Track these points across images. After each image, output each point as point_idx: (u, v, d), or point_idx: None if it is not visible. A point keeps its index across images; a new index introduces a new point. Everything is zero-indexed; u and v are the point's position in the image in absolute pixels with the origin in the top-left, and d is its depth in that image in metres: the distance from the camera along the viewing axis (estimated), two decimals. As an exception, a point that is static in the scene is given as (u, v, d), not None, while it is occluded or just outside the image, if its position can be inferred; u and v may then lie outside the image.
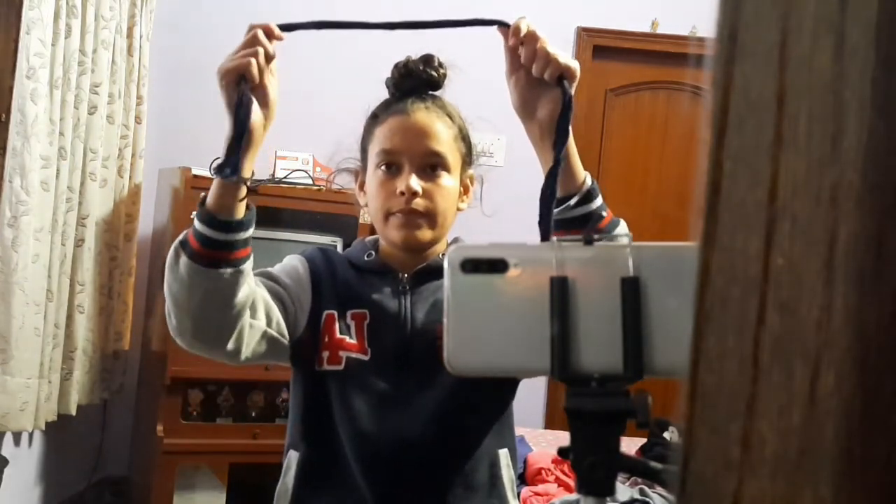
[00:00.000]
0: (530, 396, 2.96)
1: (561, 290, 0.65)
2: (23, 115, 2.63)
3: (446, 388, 1.27)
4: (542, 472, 2.63)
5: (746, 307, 0.34)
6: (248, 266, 1.17)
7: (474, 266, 0.67)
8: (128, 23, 3.28)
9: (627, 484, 2.54)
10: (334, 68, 3.75)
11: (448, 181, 1.30)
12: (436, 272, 1.30)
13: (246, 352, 1.22)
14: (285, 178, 3.14)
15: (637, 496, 2.47)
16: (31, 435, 3.01)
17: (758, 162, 0.34)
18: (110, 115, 3.17)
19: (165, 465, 3.01)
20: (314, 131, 3.01)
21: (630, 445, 2.99)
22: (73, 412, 3.04)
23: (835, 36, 0.32)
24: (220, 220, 1.15)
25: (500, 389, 1.33)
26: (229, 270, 1.14)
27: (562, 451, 0.68)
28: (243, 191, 1.15)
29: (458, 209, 1.36)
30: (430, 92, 1.35)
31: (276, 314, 1.27)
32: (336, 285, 1.33)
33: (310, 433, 1.32)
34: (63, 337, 2.97)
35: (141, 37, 3.34)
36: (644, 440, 3.07)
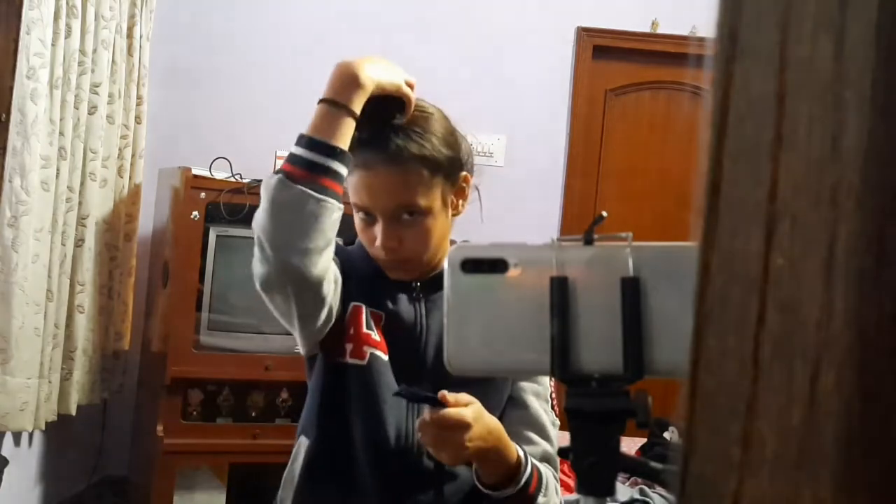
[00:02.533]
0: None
1: (561, 289, 0.65)
2: (23, 115, 2.62)
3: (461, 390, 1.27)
4: (542, 471, 2.63)
5: (746, 307, 0.34)
6: (337, 203, 1.16)
7: (474, 266, 0.67)
8: (128, 23, 3.28)
9: (627, 484, 2.54)
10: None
11: (429, 220, 1.27)
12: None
13: (327, 288, 1.22)
14: (285, 178, 3.13)
15: (637, 496, 2.47)
16: (31, 435, 3.01)
17: (758, 162, 0.34)
18: (110, 115, 3.17)
19: (165, 465, 3.01)
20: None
21: (630, 445, 2.99)
22: (73, 412, 3.04)
23: (835, 36, 0.32)
24: (321, 142, 1.14)
25: (501, 398, 1.33)
26: (318, 198, 1.13)
27: (562, 451, 0.68)
28: (352, 126, 1.17)
29: (454, 215, 1.34)
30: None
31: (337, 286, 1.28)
32: (357, 278, 1.32)
33: (323, 422, 1.33)
34: (63, 337, 2.97)
35: (141, 37, 3.34)
36: (644, 440, 3.07)
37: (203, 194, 2.99)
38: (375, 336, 1.30)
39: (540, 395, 1.36)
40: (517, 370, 0.95)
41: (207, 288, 3.06)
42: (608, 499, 0.65)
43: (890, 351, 0.30)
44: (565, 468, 2.17)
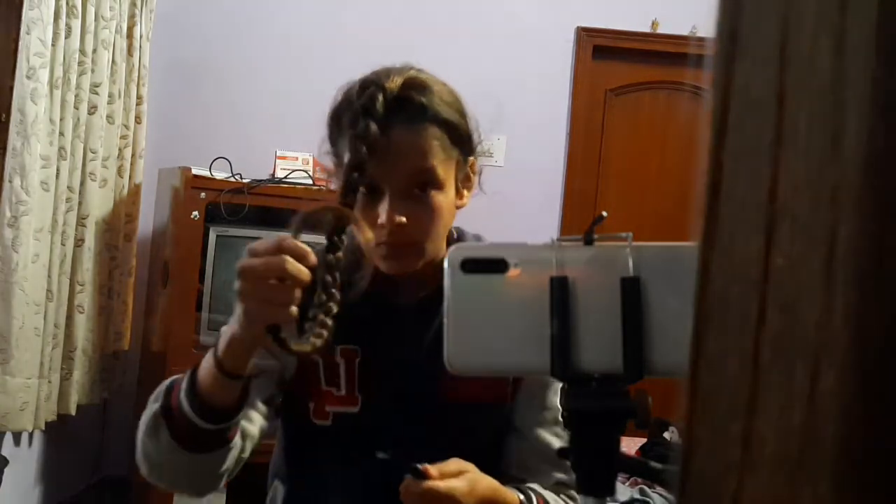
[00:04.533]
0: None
1: (561, 289, 0.65)
2: (23, 115, 2.62)
3: (449, 432, 1.17)
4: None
5: (746, 307, 0.34)
6: (235, 441, 1.05)
7: (474, 266, 0.67)
8: (128, 23, 3.28)
9: (627, 484, 2.54)
10: (335, 68, 3.75)
11: (440, 197, 1.11)
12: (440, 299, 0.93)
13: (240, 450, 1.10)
14: (285, 178, 3.14)
15: (637, 496, 2.47)
16: (31, 435, 3.01)
17: (758, 162, 0.34)
18: (110, 115, 3.17)
19: (165, 465, 3.01)
20: (314, 131, 3.01)
21: (630, 445, 2.99)
22: (73, 412, 3.04)
23: (835, 36, 0.32)
24: (215, 411, 0.99)
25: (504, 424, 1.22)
26: (218, 452, 1.03)
27: (562, 451, 0.68)
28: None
29: (458, 206, 1.17)
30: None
31: (261, 412, 1.14)
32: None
33: (295, 474, 1.25)
34: (63, 337, 2.96)
35: (141, 37, 3.34)
36: (644, 440, 3.07)
37: (203, 194, 2.99)
38: (339, 391, 1.16)
39: (553, 420, 1.20)
40: (517, 370, 0.95)
41: (207, 288, 3.06)
42: (608, 499, 0.65)
43: (890, 351, 0.30)
44: (565, 468, 2.17)
